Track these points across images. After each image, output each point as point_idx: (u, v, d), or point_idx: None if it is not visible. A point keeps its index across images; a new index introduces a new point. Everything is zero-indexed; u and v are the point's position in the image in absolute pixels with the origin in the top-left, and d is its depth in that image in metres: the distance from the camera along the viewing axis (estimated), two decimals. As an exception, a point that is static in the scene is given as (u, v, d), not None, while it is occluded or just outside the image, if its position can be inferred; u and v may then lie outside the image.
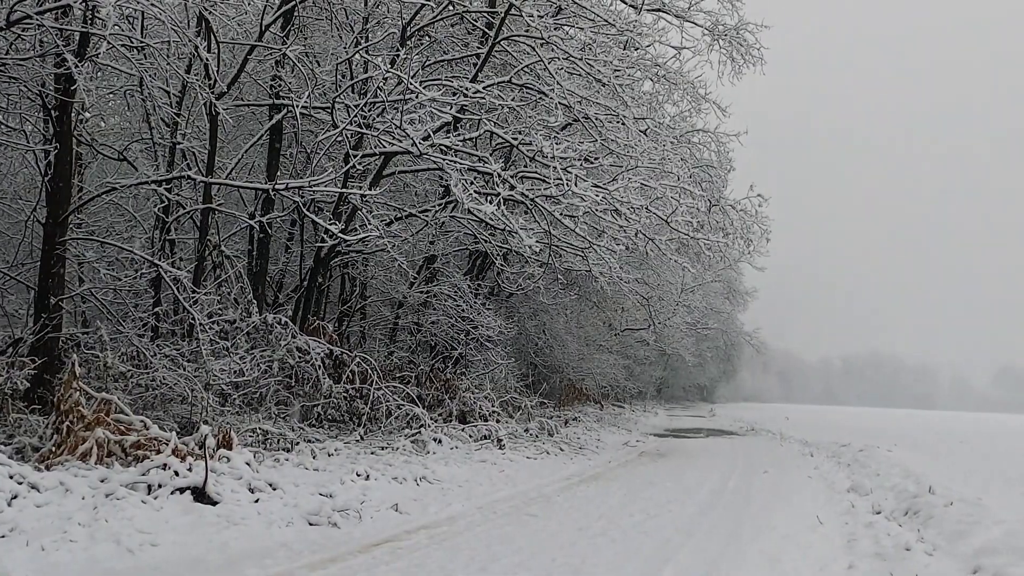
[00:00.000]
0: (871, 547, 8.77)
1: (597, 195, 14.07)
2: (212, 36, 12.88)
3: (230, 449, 10.32)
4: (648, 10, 18.04)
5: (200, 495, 8.71)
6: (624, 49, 16.63)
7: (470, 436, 17.25)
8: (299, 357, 14.48)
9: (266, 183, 13.86)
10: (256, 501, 9.15)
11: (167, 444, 9.59)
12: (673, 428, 35.95)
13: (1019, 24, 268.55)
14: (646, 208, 15.18)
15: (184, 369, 12.54)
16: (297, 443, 13.23)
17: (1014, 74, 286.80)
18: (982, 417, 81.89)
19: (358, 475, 11.42)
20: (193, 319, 12.46)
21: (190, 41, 12.42)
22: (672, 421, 43.17)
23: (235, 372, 13.09)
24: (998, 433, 39.65)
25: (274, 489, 9.64)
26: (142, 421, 10.15)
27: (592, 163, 15.73)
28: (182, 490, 8.69)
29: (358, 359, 15.81)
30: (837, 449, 21.22)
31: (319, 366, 14.63)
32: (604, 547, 8.51)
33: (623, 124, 15.63)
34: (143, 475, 8.81)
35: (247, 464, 10.02)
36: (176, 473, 8.91)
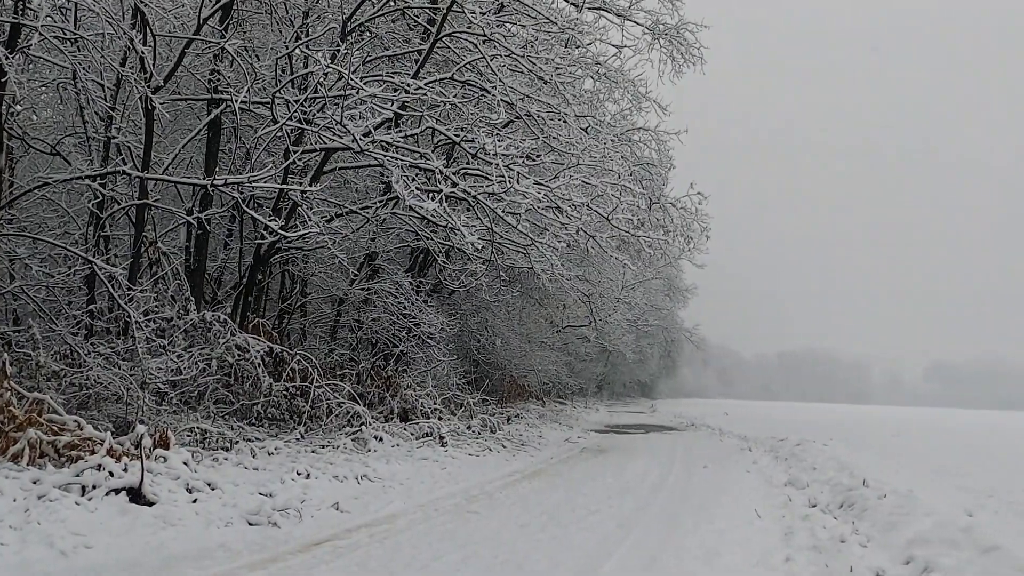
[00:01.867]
0: (807, 540, 8.92)
1: (539, 192, 14.11)
2: (148, 29, 12.62)
3: (167, 449, 10.17)
4: (589, 8, 18.13)
5: (136, 496, 8.57)
6: (566, 47, 16.67)
7: (412, 434, 17.21)
8: (238, 355, 14.30)
9: (204, 179, 13.62)
10: (194, 501, 9.03)
11: (102, 444, 9.41)
12: (614, 424, 36.19)
13: (949, 19, 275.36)
14: (587, 206, 15.26)
15: (119, 368, 12.28)
16: (236, 442, 13.08)
17: (941, 72, 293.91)
18: (914, 412, 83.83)
19: (298, 474, 11.33)
20: (129, 317, 12.20)
21: (125, 34, 12.16)
22: (613, 417, 43.47)
23: (172, 371, 12.88)
24: (929, 427, 40.69)
25: (213, 489, 9.52)
26: (76, 421, 9.96)
27: (534, 160, 15.76)
28: (117, 491, 8.54)
29: (298, 357, 15.67)
30: (775, 444, 21.56)
31: (259, 364, 14.47)
32: (546, 543, 8.54)
33: (565, 122, 15.70)
34: (77, 476, 8.63)
35: (185, 464, 9.89)
36: (111, 474, 8.74)
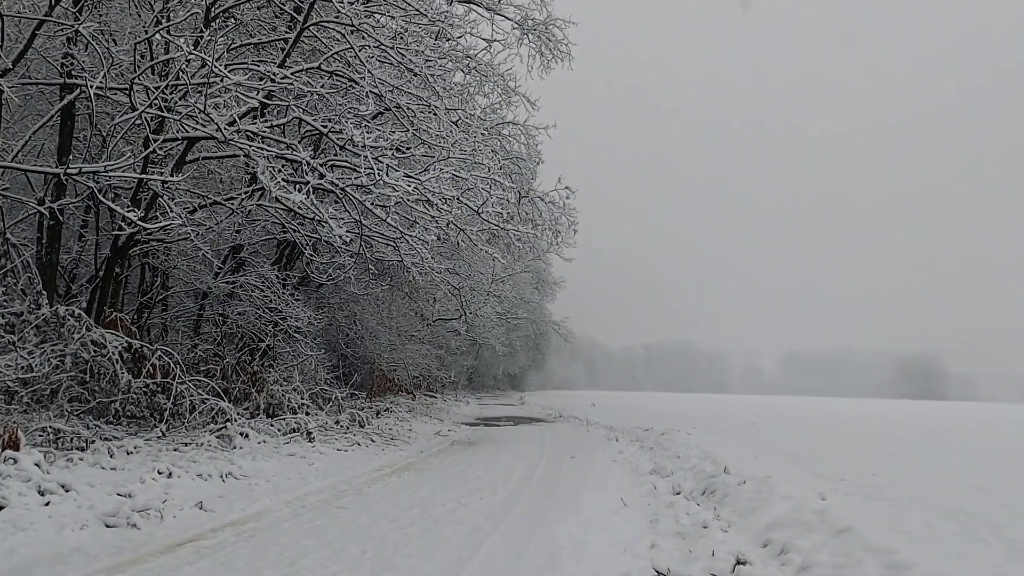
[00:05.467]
0: (672, 526, 9.19)
1: (409, 185, 14.03)
2: (-5, 8, 12.00)
3: (17, 450, 9.73)
4: (460, 1, 18.14)
5: (-17, 500, 8.15)
6: (436, 40, 16.63)
7: (279, 430, 16.93)
8: (94, 351, 13.75)
9: (57, 167, 13.02)
10: (47, 504, 8.66)
11: (-55, 446, 8.92)
12: (484, 417, 36.39)
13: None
14: (457, 199, 15.27)
15: (-36, 365, 11.67)
16: (93, 441, 12.58)
17: (820, 65, 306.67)
18: (771, 400, 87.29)
19: (160, 473, 11.00)
20: (-26, 312, 11.60)
21: (-31, 13, 11.53)
22: (483, 410, 43.69)
23: (22, 368, 12.32)
24: (785, 414, 42.36)
25: (67, 491, 9.16)
26: (-84, 422, 9.40)
27: (404, 153, 15.68)
28: (-38, 495, 8.11)
29: (159, 352, 15.17)
30: (640, 433, 22.09)
31: (116, 360, 13.94)
32: (416, 537, 8.53)
33: (435, 115, 15.66)
34: (-83, 480, 8.16)
35: (36, 465, 9.48)
36: (-45, 477, 8.30)
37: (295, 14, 15.73)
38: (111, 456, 11.92)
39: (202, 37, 13.65)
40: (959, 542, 7.74)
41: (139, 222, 12.92)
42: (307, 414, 19.09)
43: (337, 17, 14.54)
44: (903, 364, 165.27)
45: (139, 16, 15.18)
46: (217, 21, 15.05)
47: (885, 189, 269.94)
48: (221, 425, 15.33)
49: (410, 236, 16.08)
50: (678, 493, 11.68)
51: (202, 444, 13.88)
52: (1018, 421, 41.97)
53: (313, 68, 14.77)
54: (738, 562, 6.95)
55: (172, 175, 13.97)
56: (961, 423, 37.45)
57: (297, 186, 13.51)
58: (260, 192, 16.29)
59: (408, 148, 15.75)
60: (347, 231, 13.95)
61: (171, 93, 13.19)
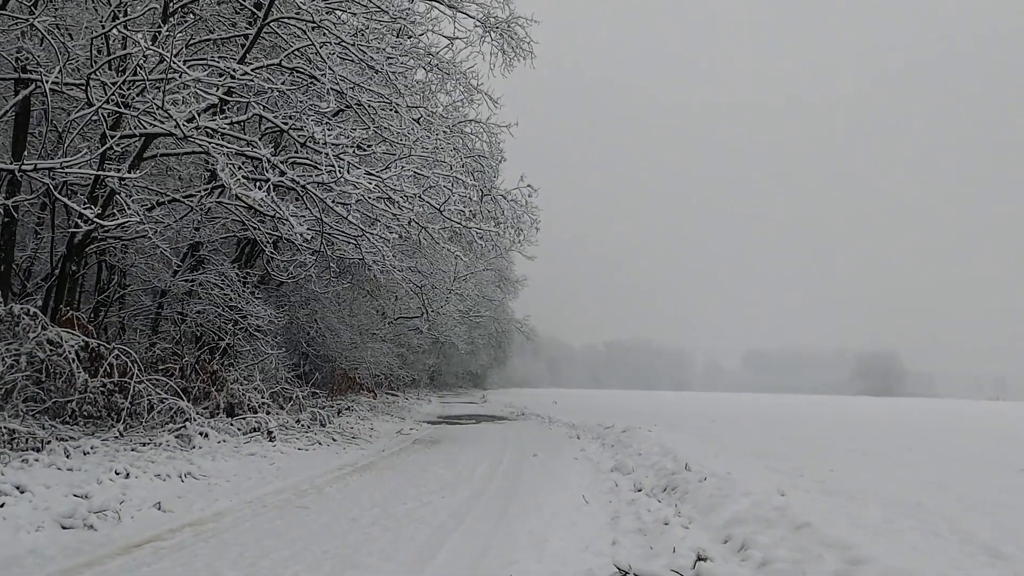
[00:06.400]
0: (633, 523, 9.23)
1: (370, 183, 13.96)
2: (-54, 1, 11.78)
3: (-30, 451, 9.55)
4: (421, -1, 18.09)
5: (-65, 502, 8.01)
6: (398, 37, 16.56)
7: (239, 429, 16.79)
8: (50, 350, 13.53)
9: (11, 163, 12.79)
10: (1, 506, 8.53)
11: None
12: (446, 415, 36.34)
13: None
14: (419, 197, 15.22)
15: (-85, 365, 11.45)
16: (49, 442, 12.37)
17: (774, 58, 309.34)
18: (732, 397, 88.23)
19: (117, 473, 10.87)
20: (-74, 310, 11.38)
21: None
22: (445, 408, 43.63)
23: (-24, 367, 12.10)
24: (746, 411, 42.79)
25: (22, 492, 9.03)
26: None
27: (365, 150, 15.60)
28: (-87, 497, 7.96)
29: (117, 351, 14.97)
30: (602, 431, 22.18)
31: (73, 359, 13.74)
32: (377, 536, 8.50)
33: (396, 112, 15.60)
34: None
35: (-10, 466, 9.32)
36: (-94, 479, 8.14)
37: (255, 10, 15.61)
38: (67, 457, 11.74)
39: (160, 32, 13.48)
40: (916, 537, 7.87)
41: (96, 219, 12.74)
42: (268, 413, 18.96)
43: (298, 13, 14.44)
44: (861, 362, 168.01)
45: (96, 11, 14.97)
46: (176, 16, 14.88)
47: (846, 190, 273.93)
48: (180, 425, 15.17)
49: (371, 234, 16.01)
50: (639, 490, 11.74)
51: (161, 444, 13.72)
52: (973, 417, 42.74)
53: (274, 64, 14.66)
54: (699, 558, 7.00)
55: (130, 172, 13.79)
56: (918, 419, 38.07)
57: (257, 183, 13.41)
58: (220, 189, 16.14)
59: (369, 146, 15.67)
60: (308, 229, 13.85)
61: (129, 89, 13.02)
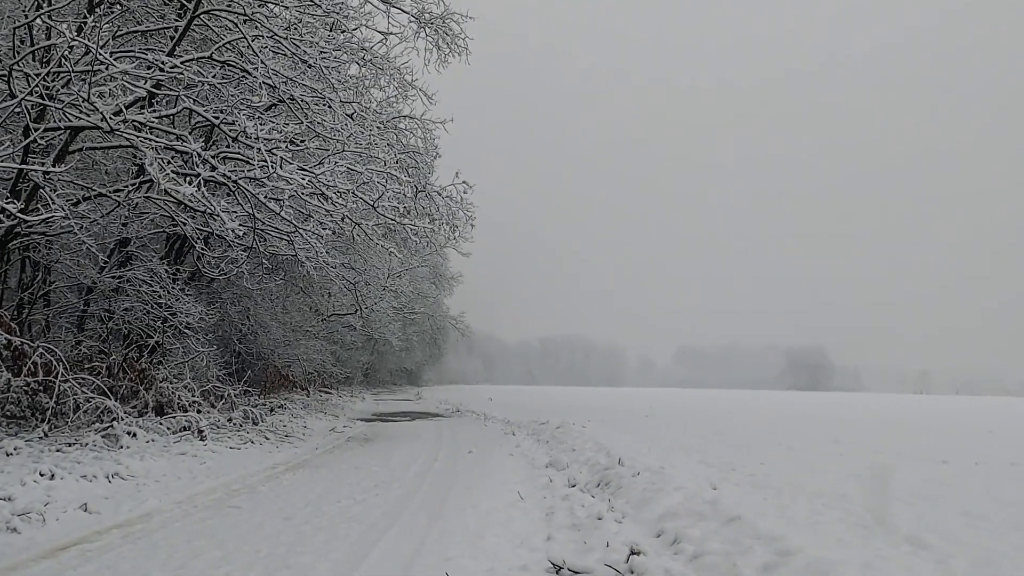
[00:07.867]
0: (567, 519, 9.29)
1: (303, 178, 13.83)
2: None
3: None
4: (355, -7, 17.93)
5: None
6: (331, 31, 16.41)
7: (168, 428, 16.51)
8: (-29, 349, 13.18)
9: (-71, 156, 12.42)
10: (-81, 509, 8.26)
11: None
12: (380, 412, 36.15)
13: None
14: (353, 193, 15.12)
15: None
16: (-31, 443, 12.06)
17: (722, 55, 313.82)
18: (664, 392, 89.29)
19: (41, 475, 10.61)
20: None
21: None
22: (380, 405, 43.40)
23: None
24: (678, 406, 43.35)
25: (-59, 495, 8.76)
26: None
27: (298, 146, 15.45)
28: None
29: (41, 349, 14.61)
30: (536, 427, 22.27)
31: (-5, 358, 13.40)
32: (311, 535, 8.43)
33: (330, 107, 15.46)
34: None
35: (-93, 469, 9.04)
36: None
37: (185, 2, 15.33)
38: (-11, 458, 11.46)
39: (86, 23, 13.18)
40: (842, 528, 8.04)
41: (19, 214, 12.40)
42: (198, 412, 18.68)
43: (229, 6, 14.23)
44: (790, 357, 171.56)
45: (19, 0, 14.58)
46: (102, 7, 14.56)
47: (776, 187, 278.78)
48: (107, 424, 14.87)
49: (304, 230, 15.87)
50: (573, 486, 11.81)
51: (87, 444, 13.44)
52: (897, 410, 43.87)
53: (204, 57, 14.42)
54: (632, 552, 7.07)
55: (54, 166, 13.46)
56: (844, 413, 38.93)
57: (187, 178, 13.20)
58: (148, 184, 15.84)
59: (302, 141, 15.51)
60: (240, 225, 13.66)
61: (53, 81, 12.70)
